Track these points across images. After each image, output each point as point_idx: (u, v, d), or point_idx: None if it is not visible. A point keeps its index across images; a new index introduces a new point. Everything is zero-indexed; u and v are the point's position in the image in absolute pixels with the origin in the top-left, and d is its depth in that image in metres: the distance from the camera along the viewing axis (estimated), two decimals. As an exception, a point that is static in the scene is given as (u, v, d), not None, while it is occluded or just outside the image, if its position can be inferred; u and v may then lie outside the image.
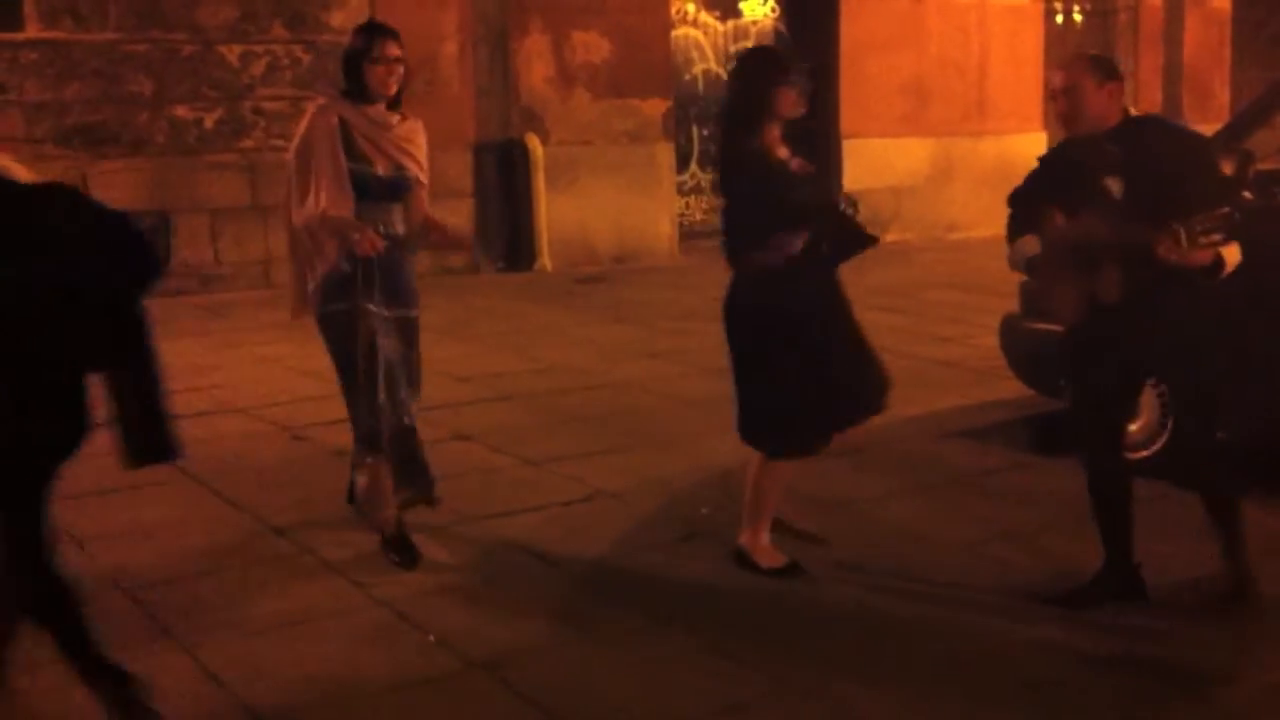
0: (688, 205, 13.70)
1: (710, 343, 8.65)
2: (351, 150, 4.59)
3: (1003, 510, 5.23)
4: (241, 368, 8.02)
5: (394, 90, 4.68)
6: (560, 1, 12.16)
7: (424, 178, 4.85)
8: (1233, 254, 3.92)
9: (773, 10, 14.03)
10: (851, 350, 4.62)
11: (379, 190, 4.67)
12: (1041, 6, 15.23)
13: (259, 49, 11.00)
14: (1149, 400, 5.56)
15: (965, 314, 9.38)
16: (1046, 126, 15.12)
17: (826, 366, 4.51)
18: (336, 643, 4.10)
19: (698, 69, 13.69)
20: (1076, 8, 15.91)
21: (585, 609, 4.38)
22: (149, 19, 10.52)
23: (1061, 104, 4.11)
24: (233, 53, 10.90)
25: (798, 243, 4.45)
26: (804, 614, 4.28)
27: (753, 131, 4.47)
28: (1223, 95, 16.02)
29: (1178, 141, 4.15)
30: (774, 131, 4.51)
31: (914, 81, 14.29)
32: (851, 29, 13.71)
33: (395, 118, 4.73)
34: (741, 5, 13.87)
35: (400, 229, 4.77)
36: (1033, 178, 4.38)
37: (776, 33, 14.09)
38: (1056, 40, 15.37)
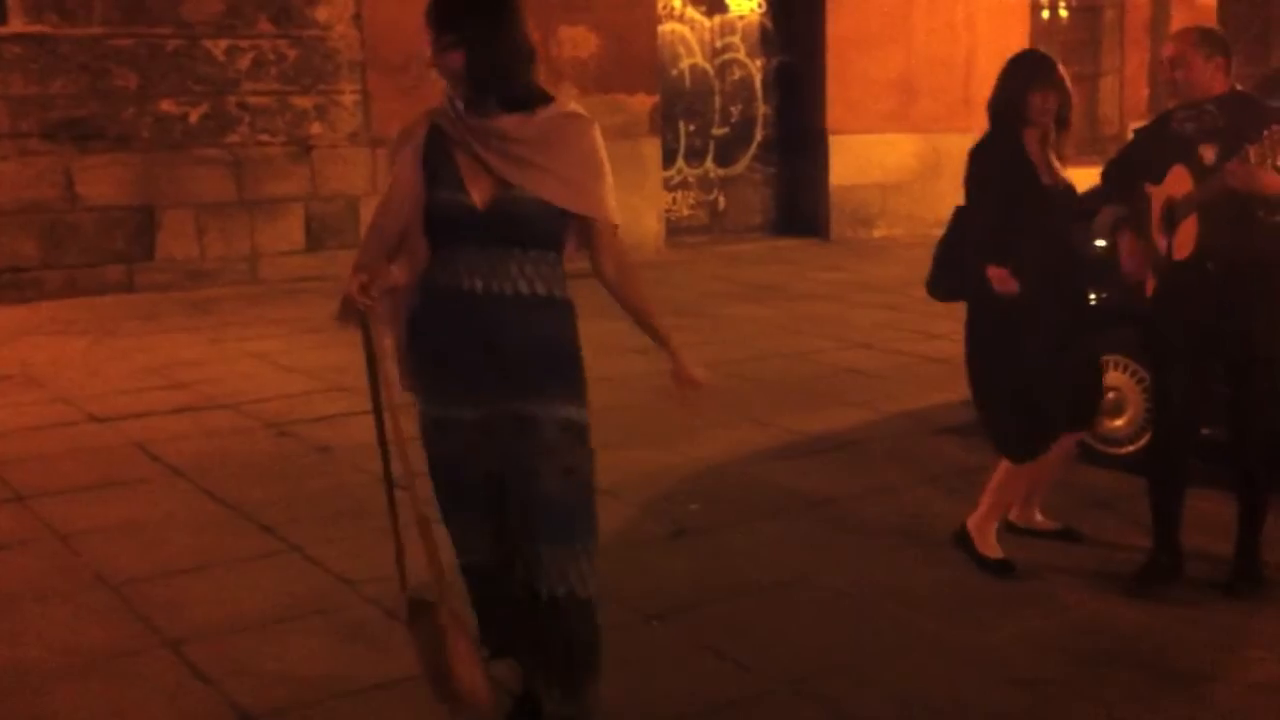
0: (674, 200, 13.69)
1: (698, 338, 8.71)
2: (440, 174, 3.11)
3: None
4: (228, 363, 7.99)
5: (459, 82, 3.10)
6: (548, -3, 12.14)
7: (591, 207, 3.17)
8: None
9: (760, 5, 14.02)
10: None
11: (472, 228, 3.10)
12: (1028, 2, 15.26)
13: (245, 44, 10.96)
14: (1134, 395, 5.57)
15: (954, 310, 9.29)
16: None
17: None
18: (323, 640, 4.08)
19: (684, 64, 13.67)
20: (1063, 4, 15.94)
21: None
22: (134, 13, 10.47)
23: (1170, 73, 4.25)
24: (218, 47, 10.85)
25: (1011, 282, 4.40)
26: (793, 611, 4.28)
27: (1007, 135, 4.45)
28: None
29: (1272, 116, 4.20)
30: (1033, 136, 4.46)
31: (901, 77, 14.30)
32: (838, 25, 13.71)
33: (515, 118, 3.09)
34: (728, 0, 13.86)
35: (527, 288, 3.17)
36: (1128, 148, 4.56)
37: (762, 28, 14.09)
38: (1043, 36, 15.39)
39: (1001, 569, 4.54)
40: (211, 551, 4.84)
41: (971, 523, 4.66)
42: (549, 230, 3.14)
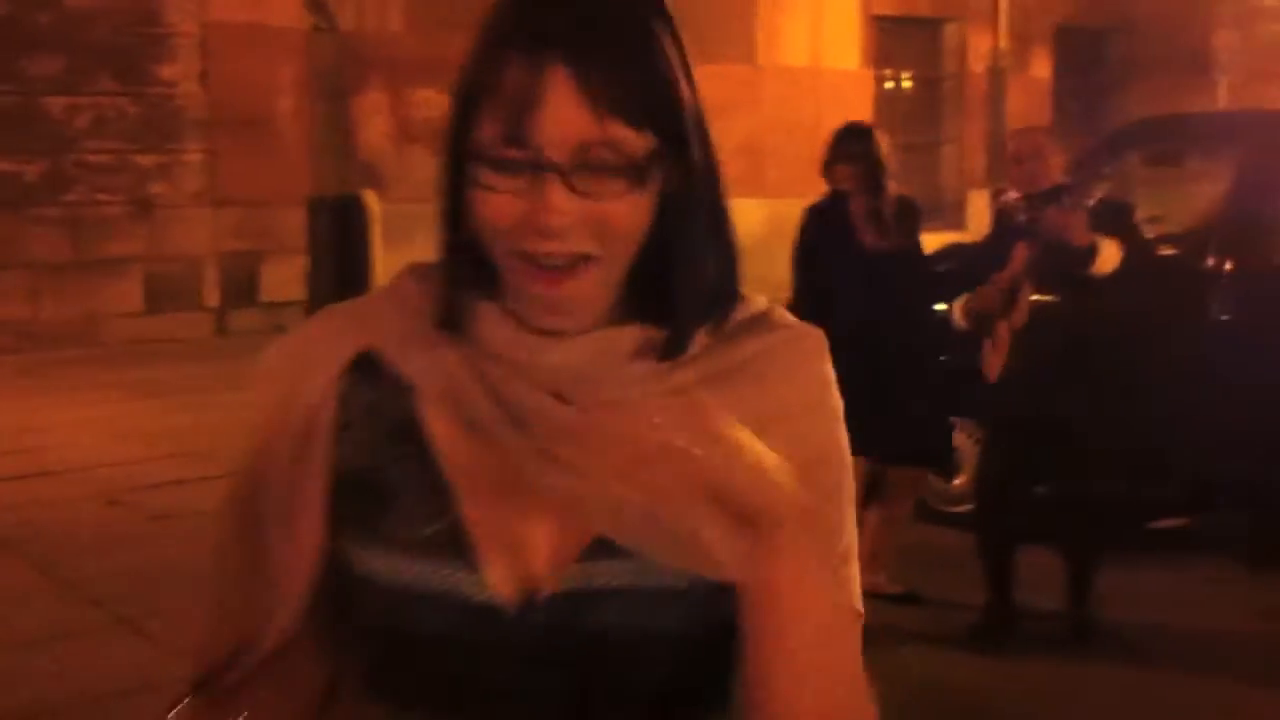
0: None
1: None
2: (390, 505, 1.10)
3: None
4: (60, 429, 7.70)
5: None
6: (400, 57, 12.09)
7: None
8: (1109, 250, 4.09)
9: (612, 71, 14.16)
10: None
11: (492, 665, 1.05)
12: (872, 73, 15.69)
13: (85, 101, 10.69)
14: (972, 455, 5.69)
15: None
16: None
17: None
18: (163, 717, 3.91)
19: (538, 128, 13.72)
20: (905, 75, 16.44)
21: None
22: (-32, 69, 10.17)
23: (1027, 168, 4.40)
24: (57, 104, 10.57)
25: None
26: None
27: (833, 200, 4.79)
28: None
29: (1104, 201, 4.50)
30: (859, 202, 4.67)
31: (750, 142, 14.55)
32: (689, 90, 13.91)
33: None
34: (581, 65, 13.97)
35: None
36: (986, 241, 4.79)
37: (616, 93, 14.22)
38: (886, 105, 15.84)
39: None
40: (36, 627, 4.63)
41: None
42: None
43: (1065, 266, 4.15)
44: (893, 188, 4.70)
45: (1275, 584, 4.98)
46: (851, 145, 4.70)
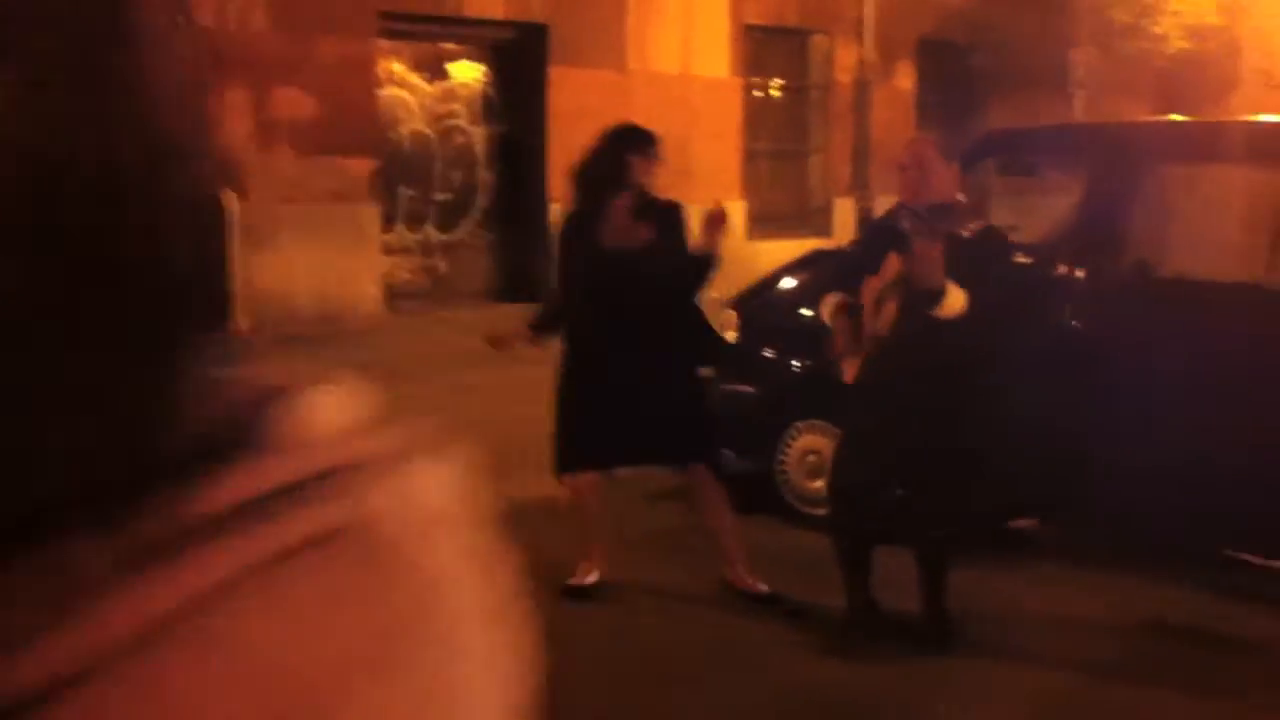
0: (395, 265, 13.51)
1: (408, 405, 8.47)
2: None
3: (707, 573, 5.24)
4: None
5: None
6: (262, 56, 11.83)
7: None
8: (956, 294, 4.15)
9: (484, 75, 14.06)
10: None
11: None
12: (741, 81, 15.83)
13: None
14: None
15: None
16: (744, 195, 15.65)
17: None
18: None
19: (405, 129, 13.57)
20: (773, 84, 16.61)
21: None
22: None
23: (913, 176, 4.41)
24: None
25: None
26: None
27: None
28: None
29: (983, 231, 4.48)
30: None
31: (620, 149, 14.57)
32: (559, 97, 13.88)
33: None
34: (450, 68, 13.85)
35: None
36: (862, 244, 4.82)
37: (485, 96, 14.13)
38: (755, 114, 15.99)
39: (574, 594, 4.88)
40: None
41: None
42: None
43: (915, 301, 4.23)
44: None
45: (1124, 582, 5.11)
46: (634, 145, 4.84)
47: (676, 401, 4.82)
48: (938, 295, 4.16)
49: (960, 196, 4.57)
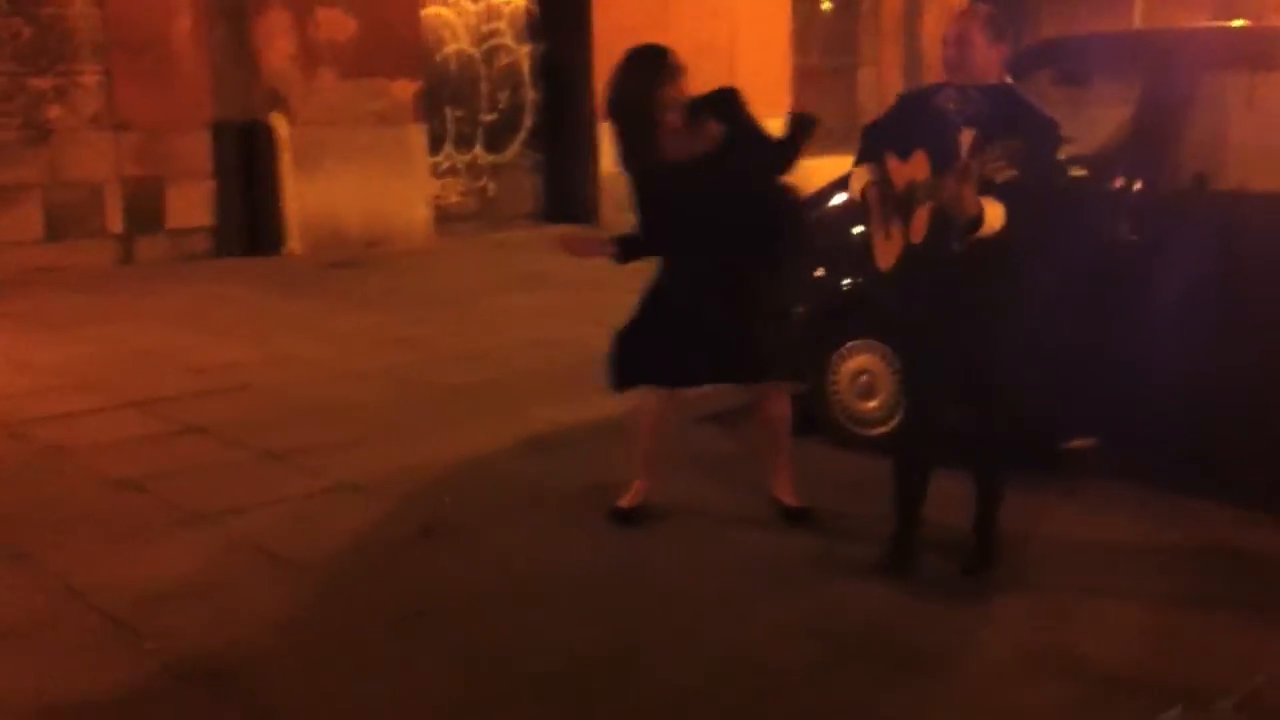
0: (443, 188, 13.47)
1: (458, 328, 8.56)
2: None
3: (750, 496, 5.23)
4: (-46, 362, 7.47)
5: None
6: (303, -23, 11.76)
7: None
8: (994, 212, 4.00)
9: (526, -9, 13.91)
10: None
11: None
12: (789, -8, 15.56)
13: (-25, 21, 10.30)
14: (885, 378, 5.68)
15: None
16: (792, 111, 15.42)
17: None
18: (43, 656, 3.81)
19: (450, 49, 13.46)
20: (822, -4, 16.32)
21: (314, 612, 4.17)
22: None
23: (951, 51, 4.19)
24: (-52, 25, 10.17)
25: None
26: (542, 608, 4.19)
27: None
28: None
29: (1031, 117, 4.21)
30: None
31: (666, 65, 14.38)
32: (603, 13, 13.69)
33: None
34: (493, -14, 13.70)
35: None
36: (891, 112, 4.50)
37: (529, 14, 13.97)
38: (803, 27, 15.72)
39: (620, 517, 4.85)
40: (-77, 565, 4.48)
41: None
42: None
43: (949, 224, 4.07)
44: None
45: (1189, 505, 5.03)
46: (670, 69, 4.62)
47: (756, 318, 4.69)
48: (973, 222, 4.03)
49: (1007, 78, 4.34)
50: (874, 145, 4.44)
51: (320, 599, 4.26)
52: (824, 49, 16.44)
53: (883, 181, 4.31)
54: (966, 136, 4.13)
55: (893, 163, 4.28)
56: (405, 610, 4.12)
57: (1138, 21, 15.48)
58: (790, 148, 4.60)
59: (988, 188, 3.96)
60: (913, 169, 4.22)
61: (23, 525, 4.81)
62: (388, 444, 5.89)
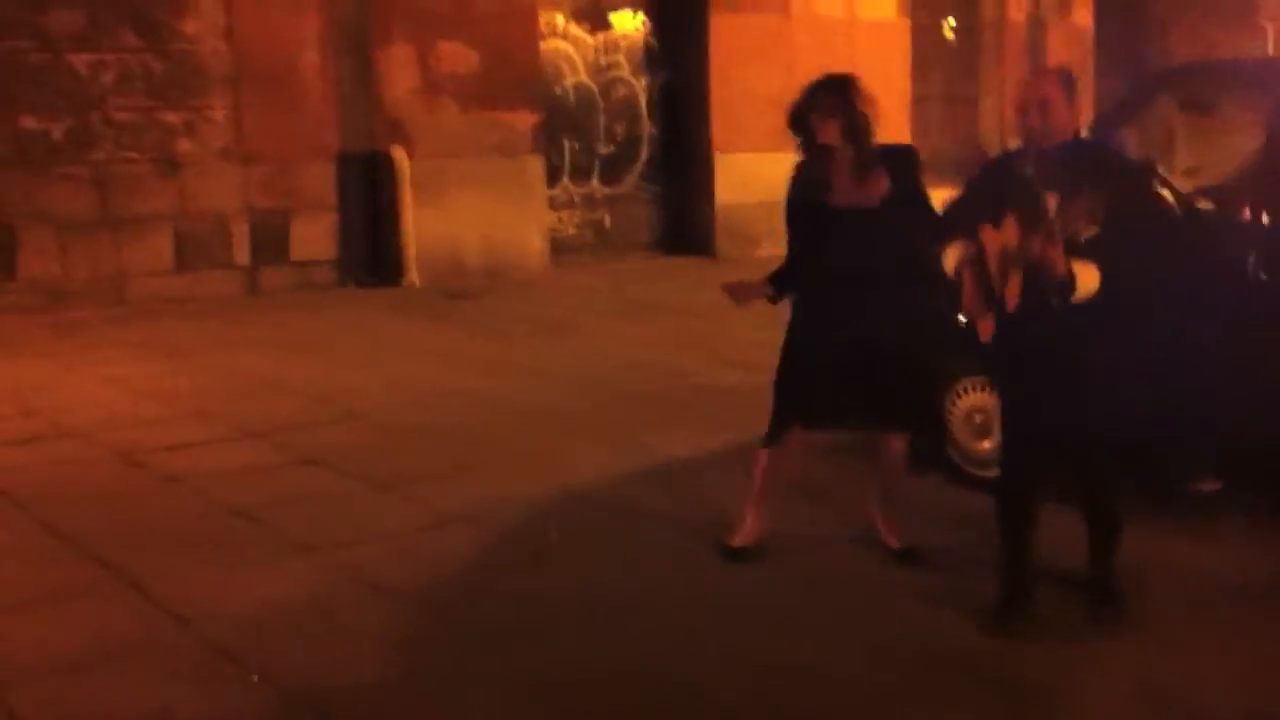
0: (559, 219, 13.55)
1: (572, 357, 8.58)
2: None
3: (858, 529, 5.13)
4: (83, 389, 7.67)
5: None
6: (424, 10, 11.94)
7: None
8: (1086, 274, 3.88)
9: (643, 24, 13.96)
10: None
11: None
12: (908, 22, 15.38)
13: (110, 58, 10.62)
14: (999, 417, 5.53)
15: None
16: (912, 142, 15.26)
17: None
18: (151, 681, 3.86)
19: (569, 82, 13.56)
20: (942, 25, 16.12)
21: (420, 643, 4.18)
22: (-9, 26, 10.11)
23: (1035, 118, 4.08)
24: (82, 61, 10.50)
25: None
26: (642, 636, 4.15)
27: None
28: (1087, 109, 16.30)
29: (1115, 168, 4.13)
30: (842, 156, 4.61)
31: (783, 95, 14.25)
32: (720, 43, 13.68)
33: None
34: (611, 18, 13.78)
35: None
36: (974, 182, 4.44)
37: (646, 46, 14.03)
38: (924, 57, 15.54)
39: (733, 556, 4.78)
40: (42, 587, 4.59)
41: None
42: None
43: (1041, 289, 3.95)
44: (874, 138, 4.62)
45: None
46: (822, 98, 4.58)
47: (899, 368, 4.67)
48: (1065, 285, 3.92)
49: (1083, 132, 4.20)
50: (962, 218, 4.32)
51: (423, 630, 4.27)
52: (945, 78, 16.24)
53: (976, 258, 4.16)
54: (1052, 199, 4.03)
55: (988, 232, 4.15)
56: (505, 640, 4.11)
57: (1272, 44, 15.03)
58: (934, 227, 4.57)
59: (1077, 249, 3.86)
60: (1005, 235, 4.09)
61: (136, 552, 4.90)
62: (496, 473, 5.91)
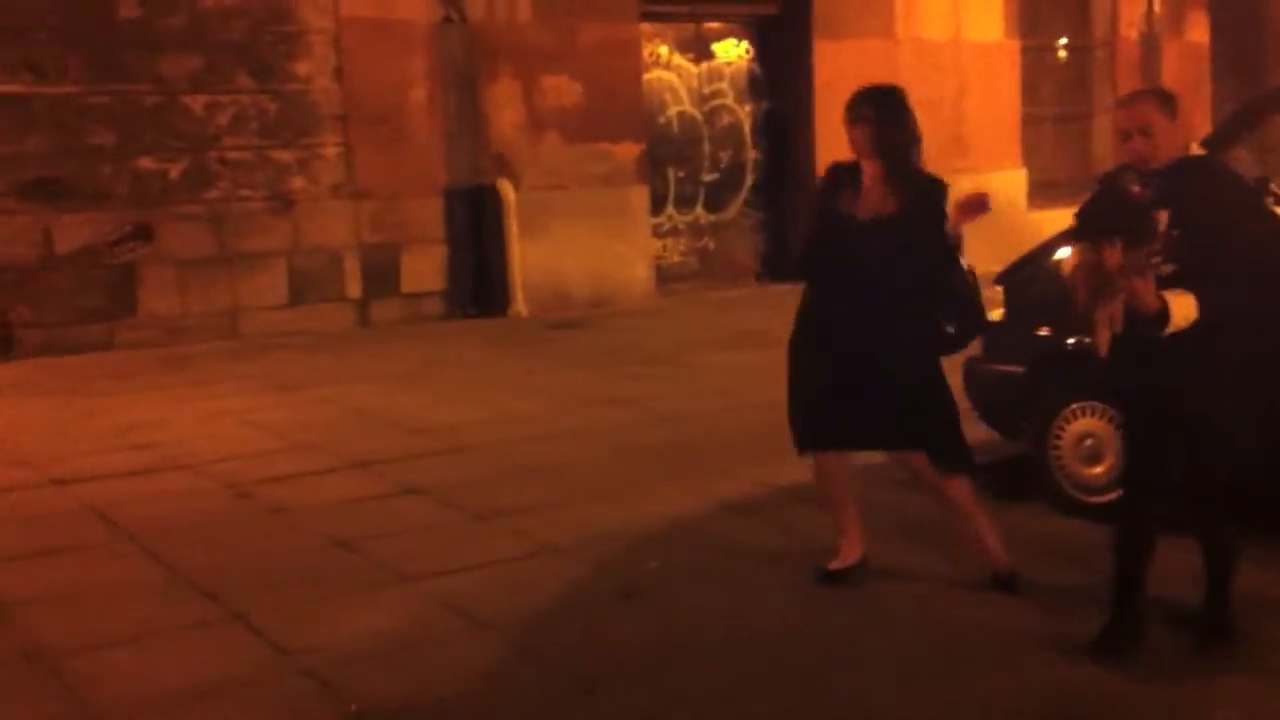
0: (664, 248, 13.58)
1: (671, 388, 8.56)
2: None
3: (959, 564, 5.03)
4: (193, 422, 7.85)
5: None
6: (529, 46, 12.08)
7: None
8: (1181, 305, 3.77)
9: (747, 52, 13.97)
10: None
11: None
12: (1018, 44, 15.17)
13: (224, 99, 10.91)
14: (1111, 442, 5.39)
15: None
16: (1023, 163, 15.01)
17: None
18: (252, 714, 3.91)
19: (672, 111, 13.60)
20: (1052, 45, 15.85)
21: (512, 674, 4.18)
22: (110, 71, 10.44)
23: (1139, 144, 3.97)
24: (197, 103, 10.80)
25: None
26: (746, 675, 4.09)
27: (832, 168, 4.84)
28: (1204, 127, 15.89)
29: (1224, 188, 4.03)
30: (871, 168, 4.63)
31: (890, 120, 14.18)
32: (824, 68, 13.63)
33: None
34: (714, 47, 13.80)
35: None
36: (1096, 193, 4.34)
37: (750, 74, 14.02)
38: (1033, 77, 15.30)
39: (829, 578, 4.79)
40: (150, 621, 4.68)
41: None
42: None
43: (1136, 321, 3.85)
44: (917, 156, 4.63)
45: None
46: (854, 109, 4.58)
47: (901, 387, 4.61)
48: (1160, 318, 3.81)
49: (1194, 149, 4.08)
50: (1086, 227, 4.21)
51: (518, 662, 4.27)
52: (1057, 97, 15.97)
53: (1087, 266, 4.04)
54: (1163, 217, 3.92)
55: (1106, 249, 4.05)
56: (598, 673, 4.09)
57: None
58: (941, 261, 4.61)
59: (1167, 280, 3.78)
60: (1113, 255, 3.98)
61: (240, 584, 4.98)
62: (594, 504, 5.90)
